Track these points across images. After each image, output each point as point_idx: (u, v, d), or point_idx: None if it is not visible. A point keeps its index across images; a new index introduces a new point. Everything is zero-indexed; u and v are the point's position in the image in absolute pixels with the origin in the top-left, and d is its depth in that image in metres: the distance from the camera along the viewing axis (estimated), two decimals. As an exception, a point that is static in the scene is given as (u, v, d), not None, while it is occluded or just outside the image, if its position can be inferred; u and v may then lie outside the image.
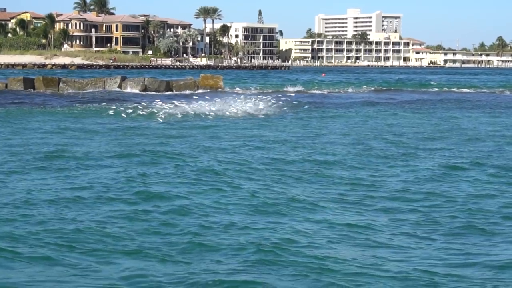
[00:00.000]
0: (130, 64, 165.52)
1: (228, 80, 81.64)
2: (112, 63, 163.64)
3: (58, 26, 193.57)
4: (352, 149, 24.16)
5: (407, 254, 11.59)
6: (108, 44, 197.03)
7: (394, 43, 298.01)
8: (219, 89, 64.02)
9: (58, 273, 10.39)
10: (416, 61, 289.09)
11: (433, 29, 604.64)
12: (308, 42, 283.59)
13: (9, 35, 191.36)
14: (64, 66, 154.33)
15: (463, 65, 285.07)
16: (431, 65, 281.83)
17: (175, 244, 11.90)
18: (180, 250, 11.58)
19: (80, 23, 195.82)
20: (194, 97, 45.21)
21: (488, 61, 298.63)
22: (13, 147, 23.68)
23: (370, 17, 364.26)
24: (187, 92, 60.41)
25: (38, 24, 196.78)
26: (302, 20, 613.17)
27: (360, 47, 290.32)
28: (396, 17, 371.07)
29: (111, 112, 37.19)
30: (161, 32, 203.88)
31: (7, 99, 48.79)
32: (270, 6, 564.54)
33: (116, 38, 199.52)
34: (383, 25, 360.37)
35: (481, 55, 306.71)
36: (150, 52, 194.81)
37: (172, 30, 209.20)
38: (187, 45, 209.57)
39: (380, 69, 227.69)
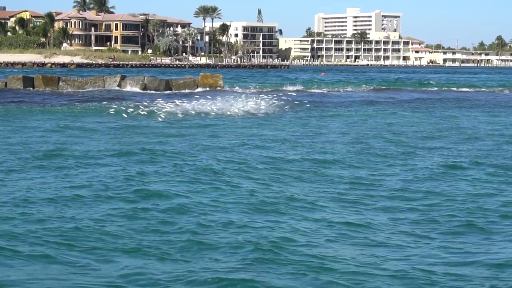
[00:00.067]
0: (130, 63, 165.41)
1: (228, 79, 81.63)
2: (112, 62, 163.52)
3: (58, 25, 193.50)
4: (352, 148, 24.17)
5: (406, 253, 11.60)
6: (108, 43, 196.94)
7: (393, 42, 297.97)
8: (219, 88, 64.02)
9: (58, 271, 10.41)
10: (416, 60, 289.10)
11: (432, 28, 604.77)
12: (308, 41, 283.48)
13: (9, 33, 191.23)
14: (63, 65, 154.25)
15: (462, 64, 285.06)
16: (430, 64, 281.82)
17: (173, 242, 11.92)
18: (179, 248, 11.60)
19: (79, 22, 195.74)
20: (196, 96, 45.18)
21: (488, 60, 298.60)
22: (12, 145, 23.70)
23: (370, 16, 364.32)
24: (187, 91, 60.43)
25: (38, 23, 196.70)
26: (302, 19, 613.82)
27: (360, 46, 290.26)
28: (395, 16, 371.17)
29: (111, 111, 37.17)
30: (160, 31, 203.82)
31: (7, 97, 48.79)
32: (269, 5, 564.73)
33: (116, 37, 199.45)
34: (382, 24, 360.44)
35: (480, 54, 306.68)
36: (149, 51, 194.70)
37: (171, 29, 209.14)
38: (186, 44, 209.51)
39: (380, 68, 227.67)
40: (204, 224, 13.03)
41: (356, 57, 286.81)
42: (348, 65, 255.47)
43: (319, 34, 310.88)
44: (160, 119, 34.33)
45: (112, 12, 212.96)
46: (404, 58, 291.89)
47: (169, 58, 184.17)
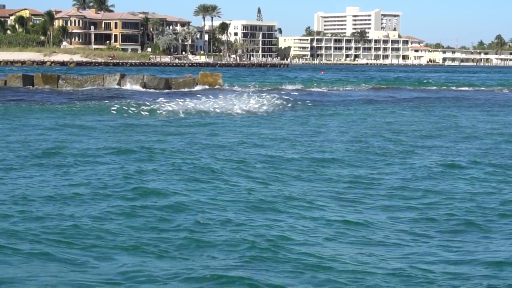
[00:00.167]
0: (129, 61, 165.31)
1: (227, 78, 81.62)
2: (111, 61, 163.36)
3: (57, 23, 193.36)
4: (351, 147, 24.19)
5: (404, 251, 11.62)
6: (107, 42, 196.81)
7: (393, 41, 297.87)
8: (218, 87, 64.04)
9: (57, 269, 10.43)
10: (415, 59, 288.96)
11: (432, 27, 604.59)
12: (307, 40, 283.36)
13: (8, 32, 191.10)
14: (63, 63, 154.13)
15: (462, 64, 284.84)
16: (430, 63, 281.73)
17: (172, 240, 11.95)
18: (177, 246, 11.63)
19: (79, 20, 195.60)
20: (198, 95, 45.17)
21: (487, 59, 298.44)
22: (12, 143, 23.71)
23: (369, 15, 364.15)
24: (186, 89, 60.47)
25: (37, 21, 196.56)
26: (301, 18, 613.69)
27: (359, 45, 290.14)
28: (395, 15, 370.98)
29: (112, 109, 37.18)
30: (160, 30, 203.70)
31: (6, 96, 48.81)
32: (269, 4, 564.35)
33: (115, 36, 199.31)
34: (382, 23, 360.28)
35: (480, 53, 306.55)
36: (149, 49, 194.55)
37: (171, 27, 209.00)
38: (186, 43, 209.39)
39: (379, 67, 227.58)
40: (202, 222, 13.05)
41: (356, 56, 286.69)
42: (348, 64, 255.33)
43: (318, 33, 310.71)
44: (160, 118, 34.38)
45: (111, 11, 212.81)
46: (404, 57, 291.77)
47: (169, 56, 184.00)
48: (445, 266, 10.76)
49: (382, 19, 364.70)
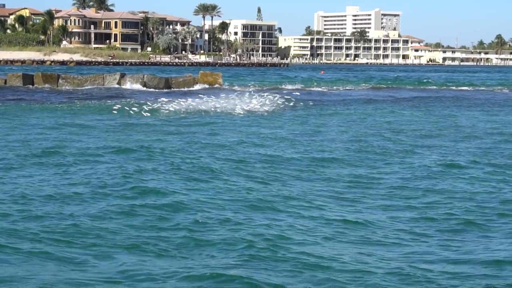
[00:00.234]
0: (129, 60, 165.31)
1: (227, 77, 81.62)
2: (111, 60, 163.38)
3: (57, 23, 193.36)
4: (350, 147, 24.20)
5: (404, 250, 11.62)
6: (107, 41, 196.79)
7: (393, 41, 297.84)
8: (217, 86, 64.09)
9: (56, 268, 10.45)
10: (415, 59, 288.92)
11: (432, 27, 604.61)
12: (307, 39, 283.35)
13: (8, 31, 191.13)
14: (63, 63, 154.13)
15: (462, 63, 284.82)
16: (430, 63, 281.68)
17: (171, 239, 11.97)
18: (176, 245, 11.65)
19: (79, 20, 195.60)
20: (198, 94, 45.18)
21: (487, 59, 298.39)
22: (11, 143, 23.73)
23: (369, 15, 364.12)
24: (186, 89, 60.49)
25: (37, 21, 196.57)
26: (301, 17, 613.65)
27: (359, 45, 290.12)
28: (395, 15, 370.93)
29: (112, 108, 37.21)
30: (160, 29, 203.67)
31: (6, 95, 48.83)
32: (269, 3, 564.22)
33: (115, 35, 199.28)
34: (382, 23, 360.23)
35: (480, 53, 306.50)
36: (149, 49, 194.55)
37: (171, 27, 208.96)
38: (186, 42, 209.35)
39: (379, 66, 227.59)
40: (201, 221, 13.07)
41: (356, 56, 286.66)
42: (348, 64, 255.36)
43: (318, 32, 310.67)
44: (160, 117, 34.41)
45: (111, 10, 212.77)
46: (404, 56, 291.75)
47: (169, 56, 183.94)
48: (444, 266, 10.77)
49: (382, 18, 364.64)
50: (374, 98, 55.60)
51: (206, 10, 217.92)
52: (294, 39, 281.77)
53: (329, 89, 69.72)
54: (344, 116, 37.59)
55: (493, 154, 22.98)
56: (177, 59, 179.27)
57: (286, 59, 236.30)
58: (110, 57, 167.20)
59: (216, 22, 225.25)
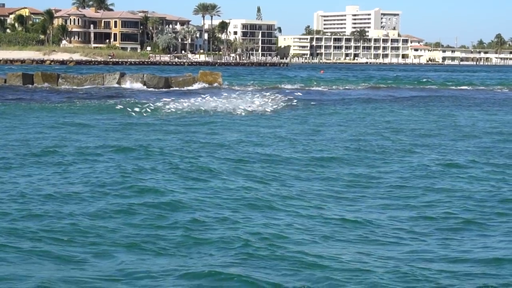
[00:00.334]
0: (129, 60, 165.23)
1: (227, 77, 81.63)
2: (111, 59, 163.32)
3: (57, 22, 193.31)
4: (350, 146, 24.23)
5: (402, 249, 11.64)
6: (107, 40, 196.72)
7: (392, 40, 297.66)
8: (216, 84, 64.14)
9: (56, 266, 10.48)
10: (415, 58, 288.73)
11: (431, 26, 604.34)
12: (307, 39, 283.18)
13: (8, 30, 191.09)
14: (62, 62, 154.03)
15: (461, 63, 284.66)
16: (429, 62, 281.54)
17: (170, 238, 12.00)
18: (175, 244, 11.68)
19: (78, 19, 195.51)
20: (198, 94, 45.21)
21: (487, 58, 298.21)
22: (11, 142, 23.75)
23: (369, 14, 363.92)
24: (186, 88, 60.52)
25: (37, 20, 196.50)
26: (301, 17, 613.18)
27: (359, 44, 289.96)
28: (394, 14, 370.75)
29: (112, 108, 37.25)
30: (159, 29, 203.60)
31: (6, 94, 48.86)
32: (268, 3, 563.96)
33: (115, 34, 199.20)
34: (381, 22, 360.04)
35: (479, 52, 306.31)
36: (148, 48, 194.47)
37: (170, 26, 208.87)
38: (185, 42, 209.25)
39: (379, 66, 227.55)
40: (200, 220, 13.10)
41: (355, 55, 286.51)
42: (347, 63, 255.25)
43: (318, 32, 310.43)
44: (160, 116, 34.42)
45: (111, 9, 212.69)
46: (403, 56, 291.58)
47: (168, 55, 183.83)
48: (443, 264, 10.79)
49: (381, 18, 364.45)
50: (373, 97, 55.62)
51: (205, 9, 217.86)
52: (294, 38, 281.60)
53: (329, 89, 69.73)
54: (344, 116, 37.61)
55: (492, 153, 23.01)
56: (176, 59, 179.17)
57: (286, 58, 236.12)
58: (110, 57, 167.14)
59: (216, 21, 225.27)
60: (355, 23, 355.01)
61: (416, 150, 23.51)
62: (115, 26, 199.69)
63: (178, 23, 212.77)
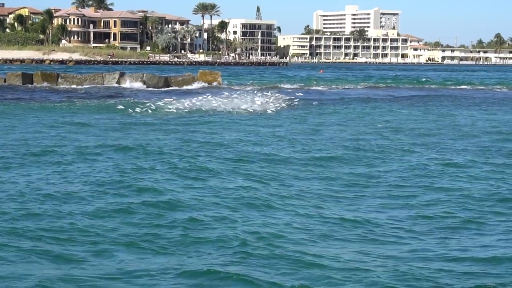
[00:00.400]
0: (128, 60, 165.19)
1: (226, 76, 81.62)
2: (110, 59, 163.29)
3: (56, 22, 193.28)
4: (349, 145, 24.24)
5: (401, 248, 11.65)
6: (106, 40, 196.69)
7: (392, 40, 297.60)
8: (215, 84, 64.17)
9: (55, 265, 10.50)
10: (414, 58, 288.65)
11: (431, 26, 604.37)
12: (306, 38, 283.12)
13: (7, 30, 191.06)
14: (62, 62, 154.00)
15: (461, 62, 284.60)
16: (429, 62, 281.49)
17: (168, 237, 12.02)
18: (174, 243, 11.70)
19: (78, 19, 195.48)
20: (198, 93, 45.22)
21: (486, 58, 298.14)
22: (11, 141, 23.76)
23: (368, 14, 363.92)
24: (186, 88, 60.53)
25: (36, 20, 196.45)
26: (300, 16, 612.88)
27: (358, 44, 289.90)
28: (394, 14, 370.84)
29: (111, 107, 37.27)
30: (159, 28, 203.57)
31: (6, 94, 48.86)
32: (268, 2, 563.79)
33: (114, 34, 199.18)
34: (381, 22, 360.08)
35: (479, 52, 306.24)
36: (148, 48, 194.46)
37: (170, 26, 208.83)
38: (185, 41, 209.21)
39: (378, 65, 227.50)
40: (198, 219, 13.11)
41: (355, 55, 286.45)
42: (347, 63, 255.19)
43: (317, 31, 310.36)
44: (159, 116, 34.42)
45: (110, 9, 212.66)
46: (403, 55, 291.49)
47: (168, 55, 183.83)
48: (442, 263, 10.80)
49: (381, 17, 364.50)
50: (372, 97, 55.62)
51: (205, 9, 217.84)
52: (293, 38, 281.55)
53: (328, 88, 69.72)
54: (343, 115, 37.62)
55: (491, 153, 23.03)
56: (176, 58, 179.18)
57: (285, 58, 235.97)
58: (109, 56, 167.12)
59: (215, 21, 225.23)
60: (354, 23, 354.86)
61: (415, 149, 23.52)
62: (115, 26, 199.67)
63: (177, 23, 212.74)
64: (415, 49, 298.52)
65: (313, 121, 33.62)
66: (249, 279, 9.87)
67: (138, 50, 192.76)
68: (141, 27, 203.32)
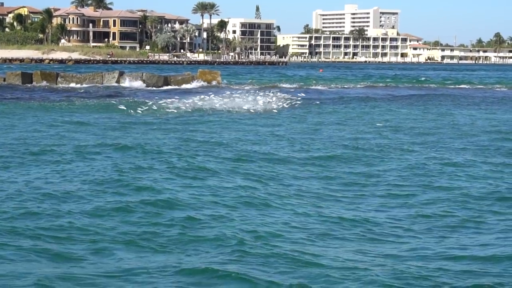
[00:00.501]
0: (128, 59, 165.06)
1: (225, 75, 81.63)
2: (110, 58, 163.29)
3: (56, 21, 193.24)
4: (348, 144, 24.25)
5: (400, 247, 11.66)
6: (106, 39, 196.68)
7: (391, 39, 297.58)
8: (215, 83, 64.19)
9: (54, 264, 10.52)
10: (414, 57, 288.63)
11: (430, 25, 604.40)
12: (306, 38, 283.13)
13: (7, 29, 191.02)
14: (61, 61, 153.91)
15: (460, 61, 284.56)
16: (428, 61, 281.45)
17: (167, 235, 12.04)
18: (172, 241, 11.72)
19: (77, 18, 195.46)
20: (199, 93, 45.20)
21: (486, 57, 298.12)
22: (10, 141, 23.76)
23: (368, 13, 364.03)
24: (185, 87, 60.53)
25: (36, 19, 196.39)
26: (300, 16, 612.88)
27: (358, 43, 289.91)
28: (393, 13, 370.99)
29: (113, 107, 37.24)
30: (158, 27, 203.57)
31: (5, 93, 48.85)
32: (267, 1, 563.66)
33: (114, 33, 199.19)
34: (380, 21, 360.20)
35: (478, 51, 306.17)
36: (147, 47, 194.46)
37: (169, 25, 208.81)
38: (184, 41, 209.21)
39: (378, 65, 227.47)
40: (197, 218, 13.13)
41: (354, 54, 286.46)
42: (346, 62, 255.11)
43: (317, 30, 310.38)
44: (158, 115, 34.43)
45: (110, 9, 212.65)
46: (402, 55, 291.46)
47: (167, 54, 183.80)
48: (441, 262, 10.82)
49: (380, 17, 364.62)
50: (372, 96, 55.63)
51: (204, 8, 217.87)
52: (293, 37, 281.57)
53: (328, 88, 69.71)
54: (342, 114, 37.63)
55: (490, 152, 23.04)
56: (175, 58, 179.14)
57: (285, 57, 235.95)
58: (109, 56, 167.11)
59: (215, 20, 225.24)
60: (354, 22, 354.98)
61: (414, 148, 23.54)
62: (114, 25, 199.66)
63: (177, 22, 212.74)
64: (415, 48, 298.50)
65: (313, 121, 33.63)
66: (247, 278, 9.88)
67: (138, 49, 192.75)
68: (140, 26, 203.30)
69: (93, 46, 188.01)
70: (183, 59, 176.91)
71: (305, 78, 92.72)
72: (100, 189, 15.74)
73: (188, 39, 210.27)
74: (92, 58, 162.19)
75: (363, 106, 43.99)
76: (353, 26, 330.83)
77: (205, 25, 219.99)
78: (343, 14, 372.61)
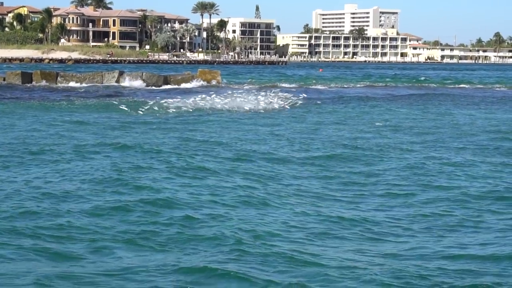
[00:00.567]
0: (127, 59, 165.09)
1: (225, 75, 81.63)
2: (109, 58, 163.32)
3: (55, 21, 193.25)
4: (348, 144, 24.26)
5: (399, 247, 11.66)
6: (105, 39, 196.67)
7: (391, 39, 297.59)
8: (214, 82, 64.21)
9: (54, 263, 10.53)
10: (414, 56, 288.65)
11: (430, 24, 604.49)
12: (305, 37, 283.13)
13: (6, 29, 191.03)
14: (61, 61, 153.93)
15: (460, 61, 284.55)
16: (428, 61, 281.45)
17: (165, 234, 12.05)
18: (171, 240, 11.73)
19: (77, 18, 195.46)
20: (199, 93, 45.16)
21: (486, 57, 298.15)
22: (10, 140, 23.76)
23: (368, 13, 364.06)
24: (185, 87, 60.52)
25: (36, 19, 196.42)
26: (300, 15, 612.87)
27: (358, 43, 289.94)
28: (393, 13, 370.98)
29: (111, 106, 37.26)
30: (158, 27, 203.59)
31: (5, 93, 48.88)
32: (267, 1, 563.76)
33: (113, 33, 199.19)
34: (380, 21, 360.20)
35: (478, 51, 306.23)
36: (147, 47, 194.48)
37: (169, 25, 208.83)
38: (184, 40, 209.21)
39: (377, 64, 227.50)
40: (195, 217, 13.13)
41: (354, 54, 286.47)
42: (346, 62, 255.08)
43: (316, 30, 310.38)
44: (158, 115, 34.43)
45: (109, 8, 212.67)
46: (402, 54, 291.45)
47: (167, 54, 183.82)
48: (440, 261, 10.82)
49: (380, 16, 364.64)
50: (371, 95, 55.63)
51: (204, 8, 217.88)
52: (292, 37, 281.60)
53: (327, 87, 69.71)
54: (342, 114, 37.64)
55: (490, 151, 23.05)
56: (175, 57, 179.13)
57: (284, 57, 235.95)
58: (109, 55, 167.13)
59: (215, 20, 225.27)
60: (353, 22, 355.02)
61: (414, 148, 23.54)
62: (114, 25, 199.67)
63: (176, 22, 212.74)
64: (414, 48, 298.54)
65: (312, 120, 33.63)
66: (246, 277, 9.88)
67: (137, 49, 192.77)
68: (140, 26, 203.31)
69: (93, 45, 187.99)
70: (183, 59, 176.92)
71: (304, 77, 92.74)
72: (99, 188, 15.75)
73: (188, 38, 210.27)
74: (92, 58, 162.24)
75: (362, 106, 44.00)
76: (353, 26, 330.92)
77: (205, 25, 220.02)
78: (343, 14, 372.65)
